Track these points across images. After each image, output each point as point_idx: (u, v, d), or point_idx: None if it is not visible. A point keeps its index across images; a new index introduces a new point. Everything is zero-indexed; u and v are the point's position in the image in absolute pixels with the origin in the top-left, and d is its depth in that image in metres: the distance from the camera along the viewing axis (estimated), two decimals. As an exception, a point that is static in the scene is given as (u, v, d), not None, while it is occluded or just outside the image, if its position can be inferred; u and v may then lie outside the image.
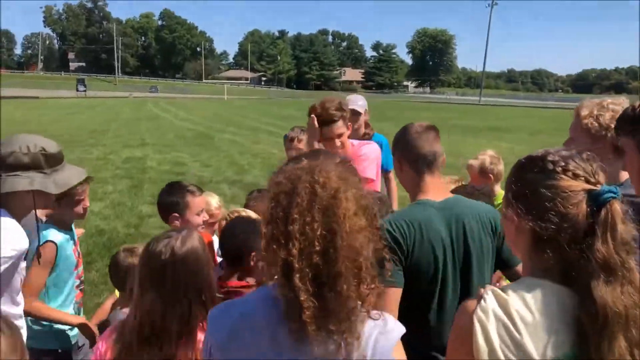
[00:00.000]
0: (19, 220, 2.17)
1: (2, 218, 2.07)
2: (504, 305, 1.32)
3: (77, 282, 3.02)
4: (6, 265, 2.01)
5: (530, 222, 1.36)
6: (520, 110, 53.82)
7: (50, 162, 2.19)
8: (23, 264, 2.20)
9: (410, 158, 2.30)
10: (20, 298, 2.26)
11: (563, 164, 1.34)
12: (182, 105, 50.08)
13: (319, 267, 1.24)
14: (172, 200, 2.83)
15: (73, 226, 3.04)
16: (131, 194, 10.33)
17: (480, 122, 32.47)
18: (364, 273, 1.27)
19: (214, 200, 3.19)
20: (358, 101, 4.59)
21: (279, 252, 1.25)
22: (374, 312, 1.32)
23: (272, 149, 17.54)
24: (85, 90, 67.25)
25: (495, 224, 2.22)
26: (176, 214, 2.80)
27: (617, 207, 1.28)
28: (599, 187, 1.31)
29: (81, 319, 2.95)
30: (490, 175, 3.76)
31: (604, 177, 1.35)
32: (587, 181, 1.32)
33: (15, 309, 2.23)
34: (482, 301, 1.35)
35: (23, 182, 2.10)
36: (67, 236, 2.88)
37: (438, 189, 2.28)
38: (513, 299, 1.33)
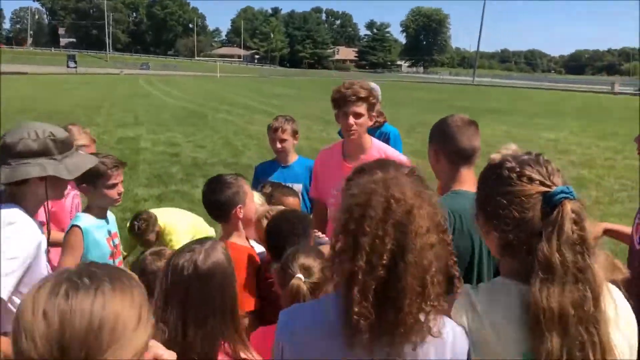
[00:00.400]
0: (33, 212, 2.14)
1: (16, 211, 2.04)
2: (474, 306, 1.40)
3: None
4: (29, 261, 2.02)
5: (492, 230, 1.44)
6: (514, 91, 53.73)
7: (60, 147, 2.13)
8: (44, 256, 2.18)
9: (448, 150, 2.34)
10: None
11: (518, 169, 1.39)
12: (174, 82, 49.59)
13: (384, 280, 1.24)
14: (232, 193, 2.64)
15: (111, 217, 2.97)
16: (126, 176, 10.06)
17: (475, 104, 32.29)
18: (428, 290, 1.27)
19: (255, 197, 3.01)
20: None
21: (346, 263, 1.26)
22: (435, 329, 1.30)
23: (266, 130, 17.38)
24: (76, 67, 66.30)
25: None
26: (241, 205, 2.66)
27: (569, 207, 1.31)
28: (552, 189, 1.34)
29: None
30: None
31: (561, 179, 1.39)
32: (542, 184, 1.36)
33: None
34: (456, 302, 1.43)
35: (35, 169, 2.04)
36: (99, 223, 2.82)
37: (473, 182, 2.31)
38: (483, 300, 1.40)
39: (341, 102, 3.16)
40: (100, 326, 0.94)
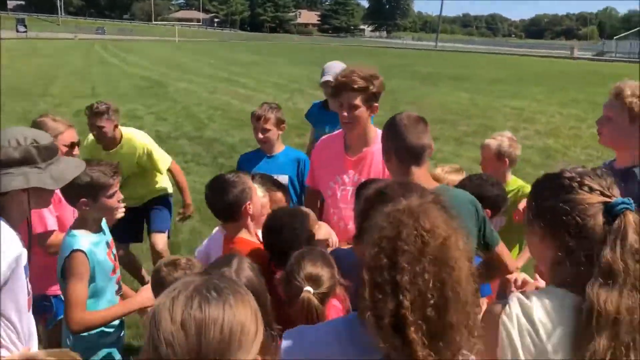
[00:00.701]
0: (17, 224, 2.03)
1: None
2: (527, 313, 1.40)
3: (117, 287, 2.79)
4: (8, 274, 1.91)
5: (553, 237, 1.46)
6: (476, 56, 53.94)
7: (44, 154, 2.03)
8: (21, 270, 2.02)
9: (397, 149, 2.38)
10: (25, 309, 2.05)
11: (579, 179, 1.45)
12: (131, 48, 47.89)
13: (432, 319, 1.20)
14: (238, 191, 2.52)
15: (106, 227, 2.78)
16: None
17: (439, 69, 32.24)
18: (471, 322, 1.25)
19: (259, 191, 2.86)
20: (336, 69, 4.26)
21: (387, 302, 1.21)
22: None
23: (230, 100, 16.97)
24: (26, 31, 63.62)
25: (477, 209, 2.35)
26: (249, 201, 2.56)
27: (631, 217, 1.37)
28: (613, 200, 1.41)
29: (138, 301, 2.66)
30: (507, 159, 3.45)
31: (618, 191, 1.45)
32: (602, 194, 1.42)
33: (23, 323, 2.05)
34: (507, 307, 1.43)
35: (18, 180, 1.94)
36: (97, 239, 2.64)
37: (425, 180, 2.33)
38: (536, 306, 1.41)
39: (337, 91, 2.92)
40: (231, 334, 1.07)
